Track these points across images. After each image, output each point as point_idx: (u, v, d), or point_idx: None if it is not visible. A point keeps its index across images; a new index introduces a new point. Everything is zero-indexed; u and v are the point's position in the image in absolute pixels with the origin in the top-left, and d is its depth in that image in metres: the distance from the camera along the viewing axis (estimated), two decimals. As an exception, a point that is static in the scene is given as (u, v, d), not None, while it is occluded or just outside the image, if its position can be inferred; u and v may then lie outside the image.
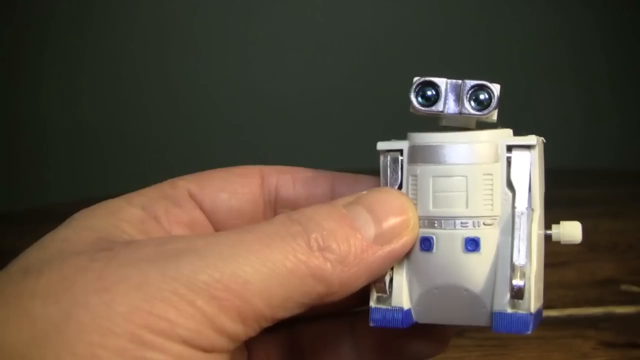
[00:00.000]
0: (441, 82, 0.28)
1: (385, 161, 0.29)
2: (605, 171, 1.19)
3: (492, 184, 0.27)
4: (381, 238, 0.26)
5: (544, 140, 0.29)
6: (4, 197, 1.33)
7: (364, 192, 0.28)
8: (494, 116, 0.28)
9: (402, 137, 0.29)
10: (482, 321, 0.28)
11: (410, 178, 0.28)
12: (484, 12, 1.48)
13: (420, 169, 0.28)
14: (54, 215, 0.30)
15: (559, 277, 0.58)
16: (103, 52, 1.46)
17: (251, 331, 0.25)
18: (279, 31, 1.48)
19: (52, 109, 1.46)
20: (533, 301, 0.27)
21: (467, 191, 0.27)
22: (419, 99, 0.28)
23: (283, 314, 0.25)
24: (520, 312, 0.27)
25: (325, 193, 0.31)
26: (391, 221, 0.27)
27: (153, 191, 0.30)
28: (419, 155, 0.28)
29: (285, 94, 1.48)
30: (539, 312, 0.28)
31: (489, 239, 0.27)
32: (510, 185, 0.27)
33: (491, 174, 0.27)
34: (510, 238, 0.27)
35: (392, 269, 0.28)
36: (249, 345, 0.31)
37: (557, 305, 0.52)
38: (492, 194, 0.27)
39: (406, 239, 0.27)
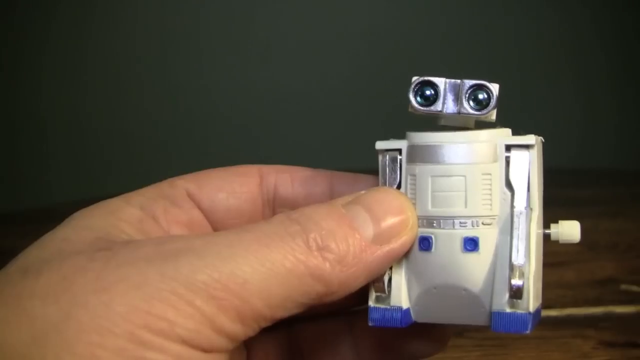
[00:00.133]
0: (440, 81, 0.28)
1: (384, 160, 0.29)
2: (604, 171, 1.19)
3: (490, 184, 0.27)
4: (380, 238, 0.26)
5: (543, 140, 0.29)
6: (5, 197, 1.33)
7: (363, 192, 0.27)
8: (493, 116, 0.28)
9: (401, 136, 0.29)
10: (481, 321, 0.28)
11: (409, 177, 0.28)
12: (483, 12, 1.48)
13: (419, 168, 0.28)
14: (54, 215, 0.30)
15: (559, 277, 0.58)
16: (103, 52, 1.47)
17: (250, 331, 0.25)
18: (278, 31, 1.48)
19: (53, 109, 1.46)
20: (532, 301, 0.27)
21: (466, 191, 0.27)
22: (418, 98, 0.28)
23: (282, 313, 0.25)
24: (519, 311, 0.27)
25: (323, 192, 0.31)
26: (390, 221, 0.27)
27: (151, 191, 0.30)
28: (417, 154, 0.28)
29: (284, 93, 1.48)
30: (537, 312, 0.28)
31: (488, 238, 0.27)
32: (509, 184, 0.27)
33: (490, 174, 0.27)
34: (509, 238, 0.27)
35: (390, 268, 0.28)
36: (248, 345, 0.31)
37: (557, 305, 0.52)
38: (490, 194, 0.27)
39: (405, 238, 0.27)
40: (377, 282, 0.28)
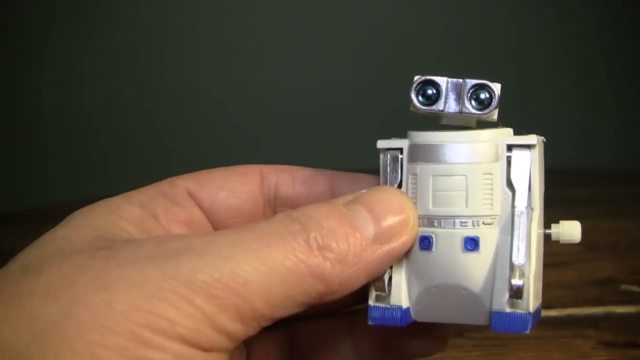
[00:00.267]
0: (442, 81, 0.28)
1: (385, 160, 0.29)
2: (604, 171, 1.19)
3: (491, 184, 0.27)
4: (380, 237, 0.26)
5: (544, 140, 0.29)
6: (4, 197, 1.33)
7: (364, 191, 0.27)
8: (495, 115, 0.28)
9: (402, 135, 0.29)
10: (481, 320, 0.28)
11: (410, 177, 0.28)
12: (484, 11, 1.48)
13: (420, 167, 0.28)
14: (54, 215, 0.30)
15: (559, 277, 0.58)
16: (104, 51, 1.47)
17: (250, 330, 0.25)
18: (278, 30, 1.48)
19: (53, 109, 1.46)
20: (532, 300, 0.27)
21: (466, 190, 0.27)
22: (420, 97, 0.28)
23: (282, 313, 0.25)
24: (519, 311, 0.27)
25: (324, 192, 0.31)
26: (390, 220, 0.27)
27: (152, 190, 0.30)
28: (419, 154, 0.28)
29: (284, 93, 1.48)
30: (537, 312, 0.28)
31: (489, 238, 0.27)
32: (510, 184, 0.27)
33: (491, 174, 0.27)
34: (509, 237, 0.27)
35: (391, 267, 0.28)
36: (248, 344, 0.31)
37: (557, 305, 0.52)
38: (491, 194, 0.27)
39: (405, 238, 0.27)
40: (378, 281, 0.28)
